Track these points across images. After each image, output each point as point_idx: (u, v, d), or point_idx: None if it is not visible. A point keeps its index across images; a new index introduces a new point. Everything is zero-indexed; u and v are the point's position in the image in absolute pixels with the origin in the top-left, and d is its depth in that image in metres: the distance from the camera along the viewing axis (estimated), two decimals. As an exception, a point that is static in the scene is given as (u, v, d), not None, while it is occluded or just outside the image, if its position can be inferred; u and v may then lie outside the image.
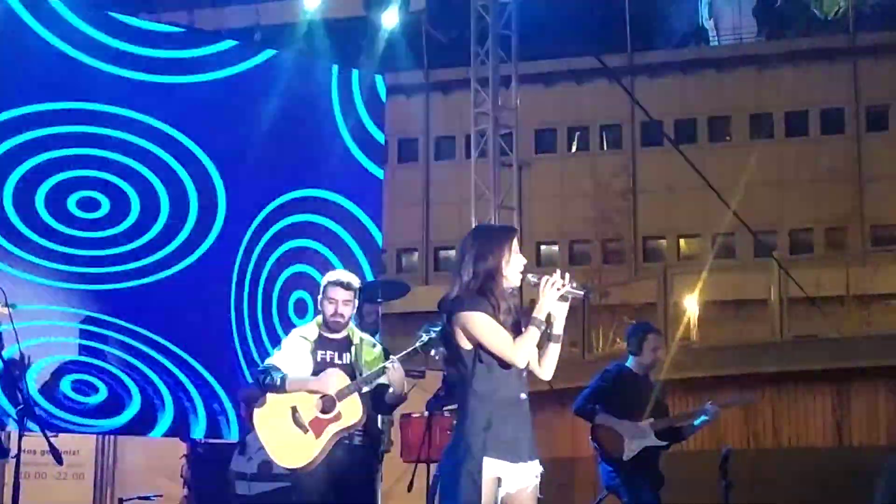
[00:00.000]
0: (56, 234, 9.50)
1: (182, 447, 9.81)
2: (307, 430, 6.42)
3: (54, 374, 9.29)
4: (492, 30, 15.70)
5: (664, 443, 8.04)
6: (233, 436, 9.90)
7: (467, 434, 4.75)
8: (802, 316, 15.82)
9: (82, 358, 9.49)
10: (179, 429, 9.87)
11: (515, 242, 4.94)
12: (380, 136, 11.62)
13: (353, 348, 6.64)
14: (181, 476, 9.59)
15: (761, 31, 34.82)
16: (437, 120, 32.71)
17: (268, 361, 6.62)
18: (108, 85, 9.87)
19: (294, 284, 10.63)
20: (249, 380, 9.81)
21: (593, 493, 8.61)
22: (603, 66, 22.50)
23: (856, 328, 17.32)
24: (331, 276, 6.71)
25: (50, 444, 6.47)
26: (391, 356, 6.57)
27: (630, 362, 8.17)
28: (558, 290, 4.84)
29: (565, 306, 4.90)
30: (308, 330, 6.70)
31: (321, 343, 6.61)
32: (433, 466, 8.25)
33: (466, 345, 4.81)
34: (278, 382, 6.42)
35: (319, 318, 6.69)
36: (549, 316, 4.87)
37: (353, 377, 6.50)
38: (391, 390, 6.51)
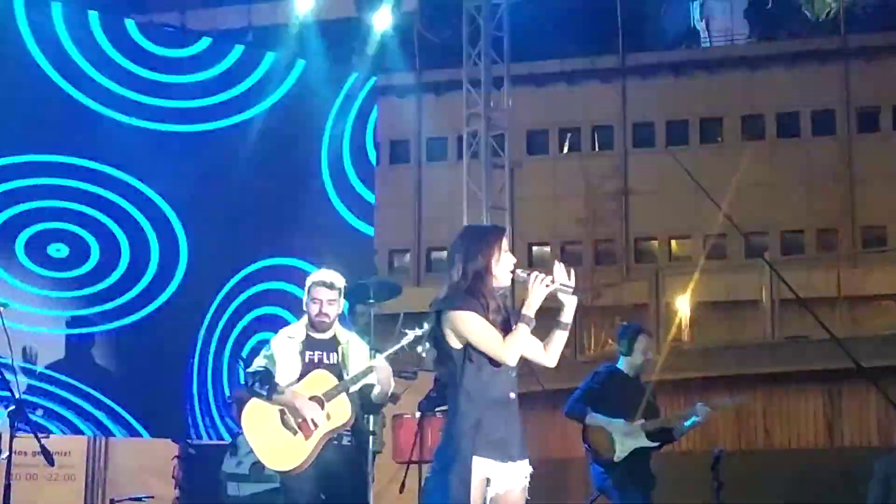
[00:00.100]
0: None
1: (174, 448, 9.80)
2: (296, 432, 6.41)
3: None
4: (484, 31, 15.72)
5: (655, 444, 8.04)
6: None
7: (457, 434, 4.76)
8: (793, 317, 15.82)
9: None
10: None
11: (505, 241, 4.95)
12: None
13: (340, 348, 6.64)
14: (173, 477, 9.58)
15: (753, 32, 34.85)
16: (429, 121, 32.65)
17: (257, 364, 6.60)
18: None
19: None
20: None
21: (585, 494, 8.60)
22: (595, 68, 22.53)
23: (847, 329, 17.34)
24: (315, 276, 6.71)
25: (41, 446, 6.45)
26: (377, 354, 6.57)
27: (621, 363, 8.17)
28: (547, 286, 4.84)
29: (574, 298, 4.91)
30: (295, 330, 6.69)
31: (308, 343, 6.61)
32: (425, 467, 8.25)
33: (456, 344, 4.81)
34: (265, 394, 6.42)
35: (305, 318, 6.68)
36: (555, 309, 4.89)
37: (340, 377, 6.50)
38: (378, 389, 6.51)
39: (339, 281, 6.69)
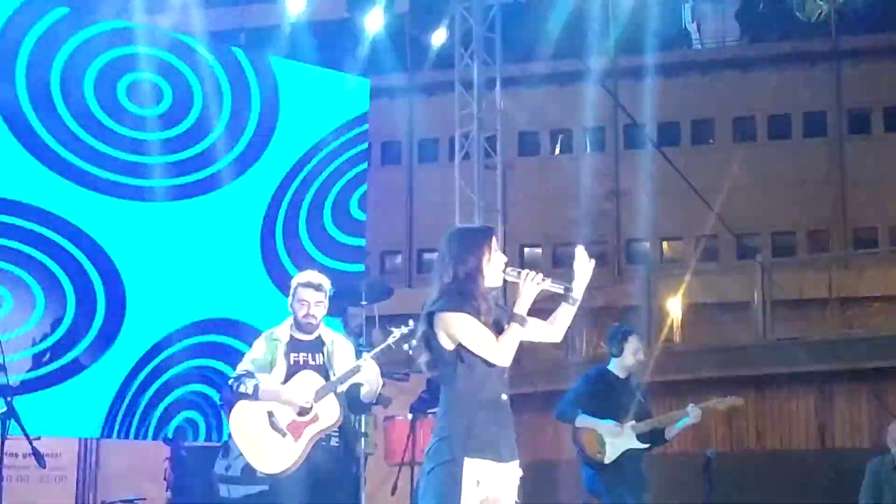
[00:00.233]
0: None
1: (165, 450, 9.78)
2: (285, 434, 6.41)
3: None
4: (476, 32, 15.71)
5: (646, 445, 8.04)
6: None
7: (449, 435, 4.75)
8: (785, 318, 15.85)
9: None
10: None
11: (495, 241, 4.95)
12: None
13: (325, 349, 6.64)
14: (164, 479, 9.56)
15: (744, 34, 34.86)
16: (421, 122, 32.63)
17: (240, 367, 6.60)
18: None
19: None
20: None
21: (577, 495, 8.61)
22: (586, 69, 22.55)
23: (838, 330, 17.38)
24: (300, 277, 6.72)
25: (32, 448, 6.45)
26: (364, 353, 6.57)
27: (612, 365, 8.18)
28: (538, 284, 4.85)
29: (588, 272, 5.00)
30: (280, 332, 6.69)
31: (293, 345, 6.62)
32: (417, 469, 8.25)
33: (448, 345, 4.80)
34: (251, 391, 6.42)
35: (290, 319, 6.68)
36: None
37: (326, 378, 6.50)
38: (367, 388, 6.50)
39: (326, 283, 6.71)
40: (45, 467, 7.07)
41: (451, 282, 4.83)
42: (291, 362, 6.57)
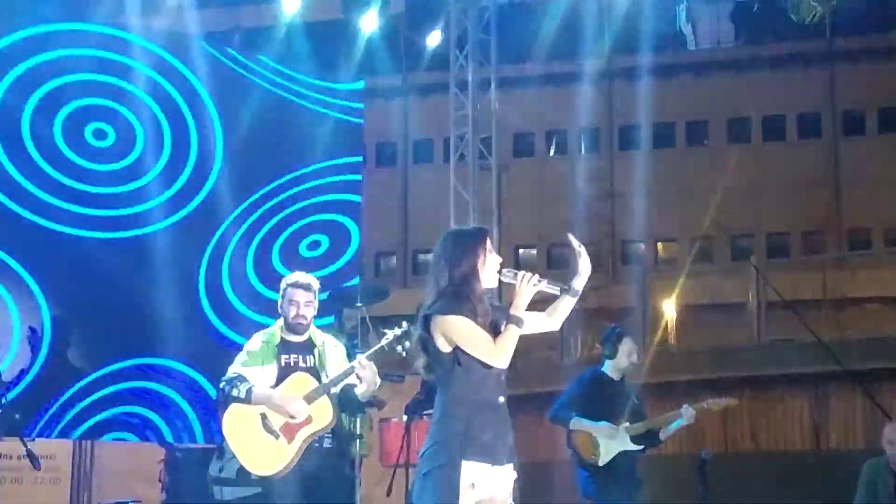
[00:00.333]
0: None
1: (160, 452, 9.77)
2: (279, 436, 6.40)
3: None
4: (471, 34, 15.72)
5: (640, 447, 8.05)
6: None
7: (446, 438, 4.74)
8: (779, 320, 15.85)
9: None
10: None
11: (489, 243, 4.95)
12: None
13: (316, 350, 6.64)
14: (159, 481, 9.54)
15: (739, 36, 34.87)
16: (416, 123, 32.63)
17: (232, 370, 6.58)
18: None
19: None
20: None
21: (572, 497, 8.60)
22: (581, 71, 22.56)
23: (833, 332, 17.38)
24: (290, 278, 6.72)
25: (27, 449, 6.44)
26: (359, 354, 6.56)
27: (606, 367, 8.18)
28: (534, 286, 4.85)
29: (587, 264, 5.01)
30: (270, 334, 6.68)
31: (284, 347, 6.61)
32: (412, 470, 8.24)
33: (446, 348, 4.80)
34: (243, 395, 6.41)
35: (281, 321, 6.67)
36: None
37: (318, 379, 6.49)
38: (364, 387, 6.48)
39: (315, 283, 6.70)
40: (39, 469, 7.06)
41: (448, 284, 4.83)
42: (283, 364, 6.56)
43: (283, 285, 6.70)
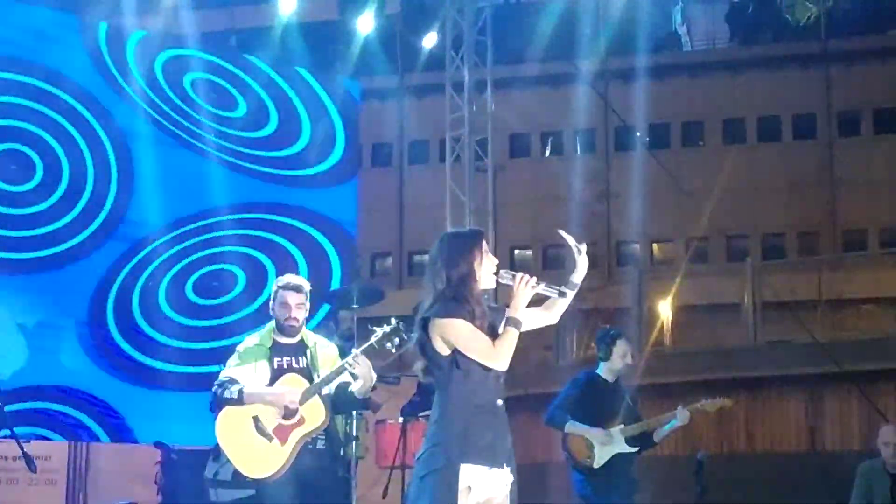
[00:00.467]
0: None
1: (156, 453, 9.76)
2: (272, 438, 6.39)
3: None
4: (467, 35, 15.72)
5: (635, 449, 8.04)
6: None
7: (444, 441, 4.73)
8: (775, 320, 15.87)
9: None
10: None
11: (485, 244, 4.95)
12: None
13: (308, 351, 6.63)
14: (155, 482, 9.54)
15: (734, 36, 34.92)
16: (412, 124, 32.62)
17: (224, 373, 6.56)
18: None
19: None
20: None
21: (568, 498, 8.60)
22: (576, 72, 22.55)
23: (828, 333, 17.40)
24: (281, 280, 6.71)
25: (23, 451, 6.42)
26: (353, 350, 6.55)
27: (600, 369, 8.17)
28: (532, 288, 4.85)
29: (585, 259, 5.03)
30: (262, 336, 6.67)
31: (276, 349, 6.60)
32: (408, 472, 8.24)
33: (444, 350, 4.80)
34: (236, 396, 6.39)
35: (272, 323, 6.66)
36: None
37: (311, 380, 6.48)
38: (360, 384, 6.45)
39: (306, 285, 6.69)
40: (35, 471, 7.05)
41: (445, 287, 4.82)
42: (275, 366, 6.54)
43: (273, 287, 6.69)
